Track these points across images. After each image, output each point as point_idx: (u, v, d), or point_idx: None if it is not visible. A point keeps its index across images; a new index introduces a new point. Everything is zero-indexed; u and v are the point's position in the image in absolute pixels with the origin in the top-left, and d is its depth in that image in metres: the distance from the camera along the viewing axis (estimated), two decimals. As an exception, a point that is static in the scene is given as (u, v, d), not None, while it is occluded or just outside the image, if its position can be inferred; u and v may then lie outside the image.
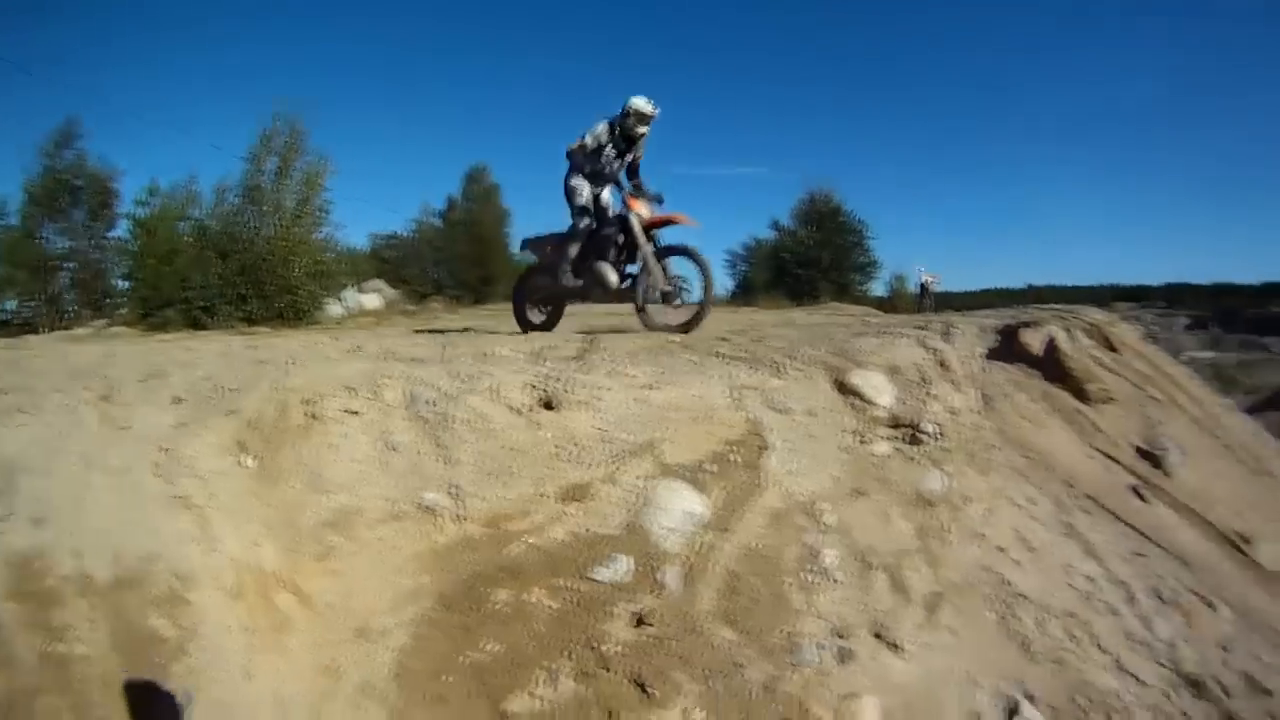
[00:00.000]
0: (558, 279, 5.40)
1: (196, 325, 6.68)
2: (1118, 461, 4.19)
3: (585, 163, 5.40)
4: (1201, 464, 5.44)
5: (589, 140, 5.31)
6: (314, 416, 1.49)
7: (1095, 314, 3.97)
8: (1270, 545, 5.63)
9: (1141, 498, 4.24)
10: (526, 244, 6.07)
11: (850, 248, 13.45)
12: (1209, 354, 43.70)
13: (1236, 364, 40.52)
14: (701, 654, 1.61)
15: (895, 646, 2.24)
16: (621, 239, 5.28)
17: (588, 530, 1.55)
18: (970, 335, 3.99)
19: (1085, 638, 3.07)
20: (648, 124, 5.28)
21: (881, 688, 2.10)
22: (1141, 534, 4.24)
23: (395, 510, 1.41)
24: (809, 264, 13.23)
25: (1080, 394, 4.37)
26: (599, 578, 1.46)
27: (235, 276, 6.04)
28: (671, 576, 1.56)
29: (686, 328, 5.06)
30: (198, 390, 1.92)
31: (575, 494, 1.57)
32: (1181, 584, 4.11)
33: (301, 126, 6.17)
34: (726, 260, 13.43)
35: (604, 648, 1.44)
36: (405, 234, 11.02)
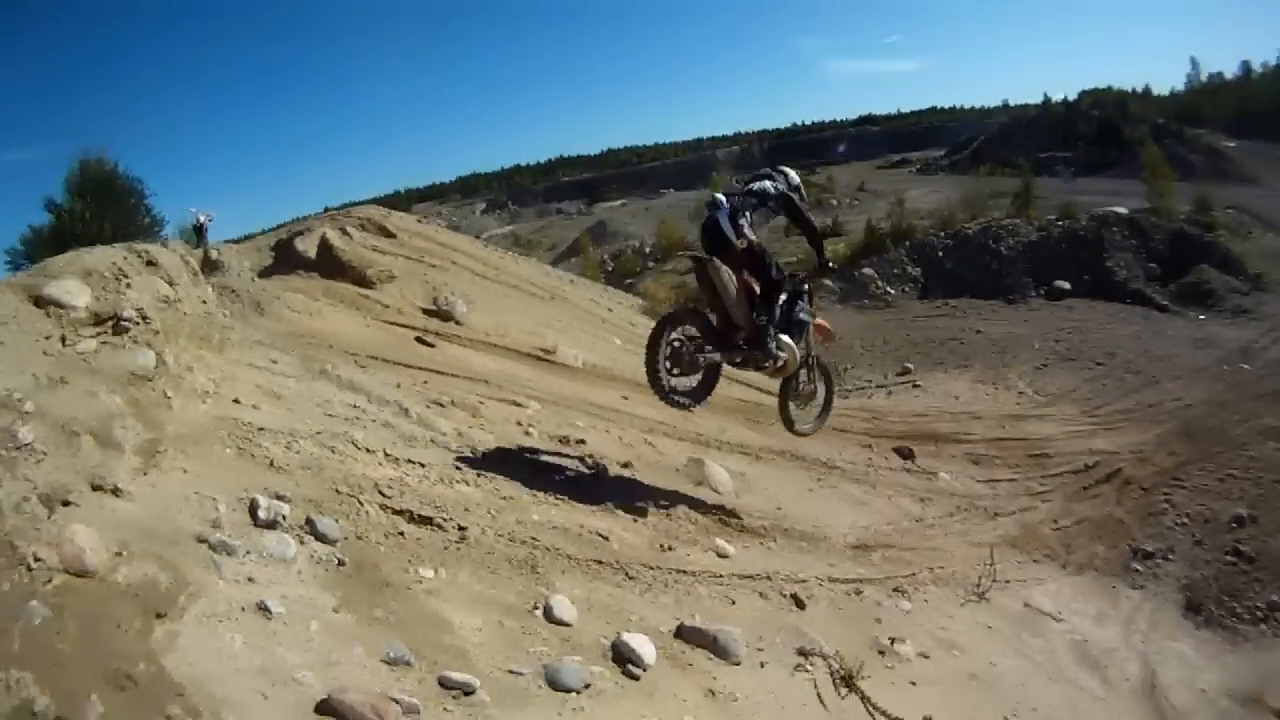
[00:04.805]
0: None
1: None
2: (403, 325, 5.72)
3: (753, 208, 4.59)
4: (491, 305, 7.74)
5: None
6: None
7: (370, 210, 5.15)
8: (570, 349, 8.45)
9: (429, 344, 5.93)
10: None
11: (131, 211, 12.74)
12: (509, 228, 53.31)
13: (535, 230, 50.45)
14: None
15: (116, 491, 2.82)
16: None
17: None
18: (234, 254, 4.69)
19: (345, 447, 4.21)
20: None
21: (105, 523, 2.67)
22: (429, 370, 5.90)
23: None
24: (90, 239, 11.77)
25: (362, 281, 5.66)
26: None
27: None
28: None
29: (808, 433, 5.37)
30: None
31: None
32: (476, 394, 5.92)
33: None
34: (8, 261, 11.16)
35: None
36: None
